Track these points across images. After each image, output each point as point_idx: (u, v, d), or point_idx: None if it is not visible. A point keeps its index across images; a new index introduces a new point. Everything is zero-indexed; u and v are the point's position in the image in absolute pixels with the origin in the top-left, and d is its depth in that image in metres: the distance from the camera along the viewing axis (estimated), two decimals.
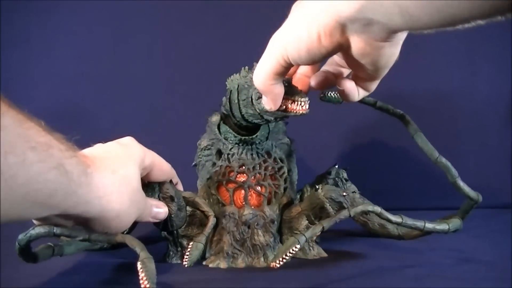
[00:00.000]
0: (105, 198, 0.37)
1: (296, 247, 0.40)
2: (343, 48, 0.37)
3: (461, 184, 0.49)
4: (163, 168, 0.48)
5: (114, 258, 0.52)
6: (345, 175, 0.57)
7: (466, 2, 0.28)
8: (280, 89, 0.42)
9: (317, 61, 0.39)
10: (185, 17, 0.88)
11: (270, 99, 0.43)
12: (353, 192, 0.54)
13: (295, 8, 0.39)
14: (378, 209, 0.45)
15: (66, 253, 0.45)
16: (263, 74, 0.40)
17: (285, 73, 0.41)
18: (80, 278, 0.46)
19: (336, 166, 0.57)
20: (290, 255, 0.40)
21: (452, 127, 0.84)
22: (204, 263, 0.49)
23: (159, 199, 0.48)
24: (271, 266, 0.40)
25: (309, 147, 0.80)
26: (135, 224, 0.49)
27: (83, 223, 0.39)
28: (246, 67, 0.50)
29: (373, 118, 0.78)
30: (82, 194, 0.35)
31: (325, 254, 0.52)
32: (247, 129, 0.53)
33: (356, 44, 0.36)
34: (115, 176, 0.39)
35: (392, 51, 0.38)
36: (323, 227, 0.43)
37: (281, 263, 0.40)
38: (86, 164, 0.37)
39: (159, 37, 0.88)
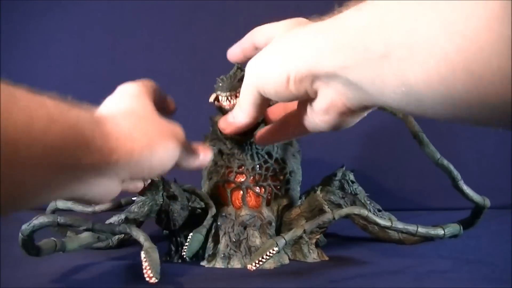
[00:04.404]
0: (128, 137, 0.33)
1: (274, 250, 0.40)
2: (309, 96, 0.32)
3: (464, 187, 0.47)
4: (155, 88, 0.43)
5: (115, 259, 0.52)
6: (351, 177, 0.56)
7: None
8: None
9: (286, 101, 0.35)
10: (185, 16, 0.88)
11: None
12: (355, 195, 0.54)
13: (290, 28, 0.34)
14: (364, 212, 0.44)
15: (68, 249, 0.45)
16: (245, 106, 0.36)
17: (267, 104, 0.36)
18: (80, 279, 0.46)
19: (343, 168, 0.57)
20: (267, 257, 0.40)
21: (452, 127, 0.84)
22: (201, 263, 0.49)
23: (163, 198, 0.48)
24: (248, 268, 0.40)
25: (316, 148, 0.80)
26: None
27: (130, 173, 0.34)
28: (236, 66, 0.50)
29: (375, 119, 0.78)
30: (98, 143, 0.31)
31: (325, 257, 0.51)
32: None
33: (323, 100, 0.31)
34: (129, 117, 0.35)
35: (356, 120, 0.33)
36: (304, 230, 0.42)
37: (257, 265, 0.39)
38: (93, 114, 0.34)
39: (160, 37, 0.88)
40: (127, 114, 0.36)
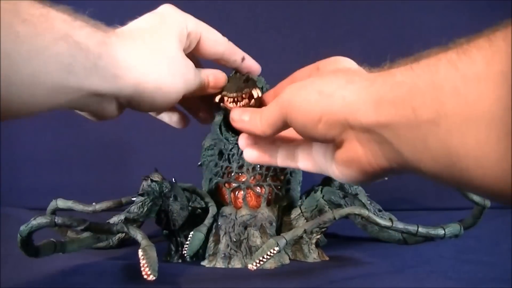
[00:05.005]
0: (137, 69, 0.33)
1: (274, 249, 0.40)
2: (335, 142, 0.30)
3: None
4: (215, 38, 0.41)
5: (115, 259, 0.52)
6: None
7: None
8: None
9: (309, 139, 0.33)
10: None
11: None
12: (355, 195, 0.54)
13: (334, 64, 0.34)
14: (365, 212, 0.44)
15: (68, 250, 0.45)
16: (266, 120, 0.34)
17: (284, 129, 0.34)
18: (80, 279, 0.46)
19: None
20: (268, 257, 0.39)
21: None
22: (201, 263, 0.49)
23: (162, 198, 0.48)
24: (248, 268, 0.40)
25: None
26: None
27: (128, 104, 0.35)
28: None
29: None
30: (105, 67, 0.31)
31: (326, 257, 0.51)
32: None
33: (348, 151, 0.29)
34: (145, 46, 0.34)
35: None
36: (304, 230, 0.42)
37: (258, 265, 0.39)
38: (105, 35, 0.32)
39: None
40: (147, 39, 0.35)
